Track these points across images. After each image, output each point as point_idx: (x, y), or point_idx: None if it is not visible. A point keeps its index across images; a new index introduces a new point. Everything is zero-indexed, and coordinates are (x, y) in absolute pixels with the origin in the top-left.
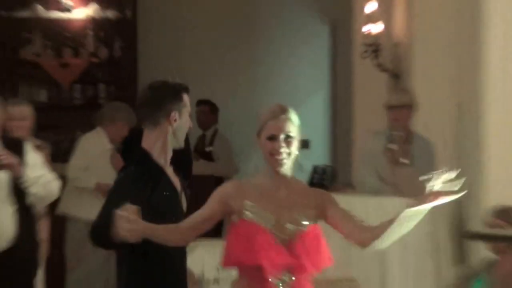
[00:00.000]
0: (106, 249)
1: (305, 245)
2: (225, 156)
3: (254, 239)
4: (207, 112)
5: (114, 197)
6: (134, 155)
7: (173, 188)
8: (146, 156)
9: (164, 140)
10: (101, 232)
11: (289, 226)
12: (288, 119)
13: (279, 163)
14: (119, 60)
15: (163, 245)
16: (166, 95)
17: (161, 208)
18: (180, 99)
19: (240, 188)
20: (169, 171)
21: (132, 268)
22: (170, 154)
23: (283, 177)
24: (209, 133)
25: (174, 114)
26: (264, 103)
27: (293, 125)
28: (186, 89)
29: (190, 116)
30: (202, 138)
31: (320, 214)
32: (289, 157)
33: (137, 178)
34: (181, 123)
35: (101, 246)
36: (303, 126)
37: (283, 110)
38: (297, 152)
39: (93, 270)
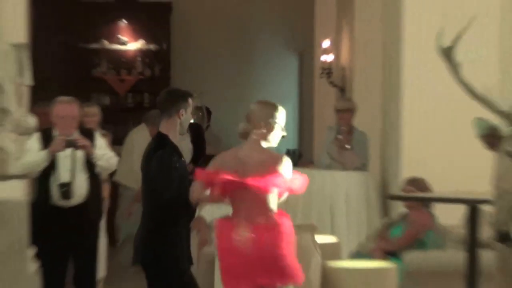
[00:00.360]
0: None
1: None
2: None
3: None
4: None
5: (169, 173)
6: (155, 136)
7: (183, 159)
8: (164, 137)
9: (175, 128)
10: (181, 202)
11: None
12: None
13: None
14: (158, 77)
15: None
16: (177, 98)
17: (182, 172)
18: (186, 101)
19: None
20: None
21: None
22: (178, 137)
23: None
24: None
25: (182, 111)
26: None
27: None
28: (190, 95)
29: (192, 113)
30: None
31: None
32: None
33: (170, 154)
34: (186, 117)
35: (182, 212)
36: None
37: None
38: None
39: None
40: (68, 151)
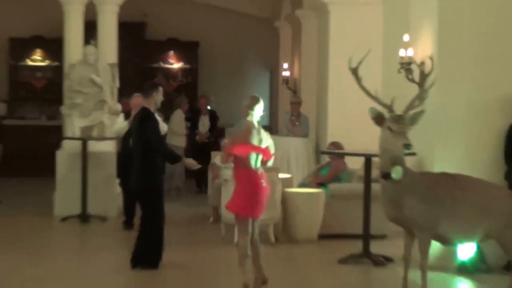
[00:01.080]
0: (170, 162)
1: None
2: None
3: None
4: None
5: (156, 129)
6: (142, 108)
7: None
8: (148, 110)
9: (152, 104)
10: (166, 151)
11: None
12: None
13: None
14: (190, 84)
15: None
16: (153, 86)
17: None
18: (157, 89)
19: None
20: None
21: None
22: (154, 109)
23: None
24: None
25: (155, 94)
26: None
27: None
28: (159, 86)
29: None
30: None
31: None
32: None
33: (154, 119)
34: (158, 98)
35: (168, 159)
36: None
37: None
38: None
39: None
40: None
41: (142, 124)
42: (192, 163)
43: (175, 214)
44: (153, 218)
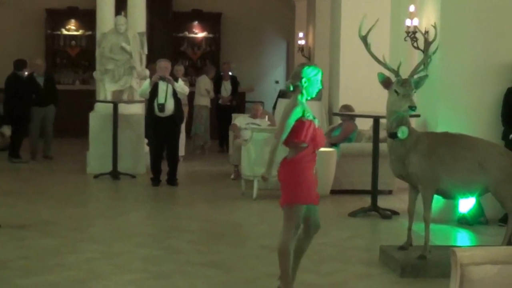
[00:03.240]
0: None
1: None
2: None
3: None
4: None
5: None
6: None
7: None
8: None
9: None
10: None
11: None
12: None
13: None
14: (213, 51)
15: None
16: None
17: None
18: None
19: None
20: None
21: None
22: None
23: None
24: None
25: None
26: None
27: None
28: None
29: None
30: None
31: None
32: None
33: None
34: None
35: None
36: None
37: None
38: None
39: (203, 123)
40: (164, 86)
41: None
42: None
43: (200, 172)
44: None
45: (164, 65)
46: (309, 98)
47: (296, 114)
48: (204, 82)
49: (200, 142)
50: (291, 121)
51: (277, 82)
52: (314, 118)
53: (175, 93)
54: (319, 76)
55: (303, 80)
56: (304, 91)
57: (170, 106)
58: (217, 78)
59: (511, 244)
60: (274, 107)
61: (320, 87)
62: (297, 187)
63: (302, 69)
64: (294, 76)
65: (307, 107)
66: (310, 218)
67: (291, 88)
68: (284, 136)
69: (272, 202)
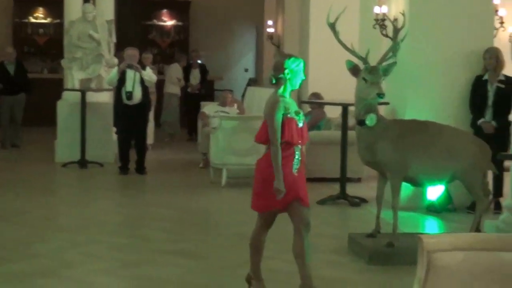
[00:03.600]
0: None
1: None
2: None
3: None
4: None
5: None
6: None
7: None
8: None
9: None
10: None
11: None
12: None
13: None
14: (182, 40)
15: None
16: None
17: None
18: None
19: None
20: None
21: None
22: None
23: None
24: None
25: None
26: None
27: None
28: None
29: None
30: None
31: None
32: None
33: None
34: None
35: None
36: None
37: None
38: None
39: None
40: (132, 74)
41: None
42: None
43: (169, 160)
44: None
45: (131, 53)
46: (293, 89)
47: (280, 110)
48: (176, 70)
49: (170, 130)
50: (279, 119)
51: (246, 70)
52: (297, 114)
53: (142, 81)
54: (301, 66)
55: (286, 71)
56: (288, 83)
57: (138, 94)
58: (186, 66)
59: (479, 231)
60: (243, 95)
61: (303, 78)
62: (263, 191)
63: (284, 60)
64: (276, 68)
65: (291, 100)
66: (293, 218)
67: (274, 81)
68: (278, 135)
69: (240, 189)
